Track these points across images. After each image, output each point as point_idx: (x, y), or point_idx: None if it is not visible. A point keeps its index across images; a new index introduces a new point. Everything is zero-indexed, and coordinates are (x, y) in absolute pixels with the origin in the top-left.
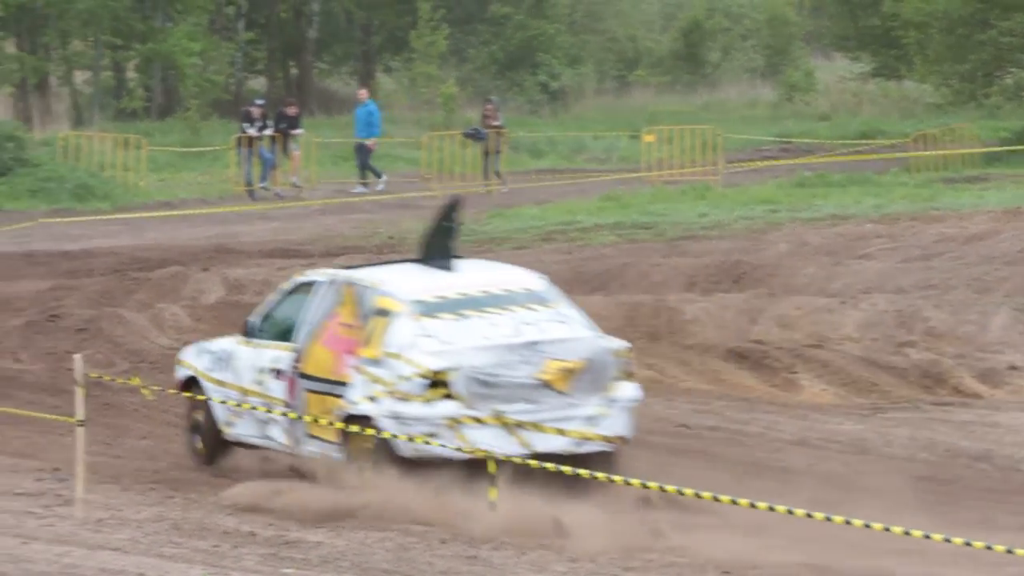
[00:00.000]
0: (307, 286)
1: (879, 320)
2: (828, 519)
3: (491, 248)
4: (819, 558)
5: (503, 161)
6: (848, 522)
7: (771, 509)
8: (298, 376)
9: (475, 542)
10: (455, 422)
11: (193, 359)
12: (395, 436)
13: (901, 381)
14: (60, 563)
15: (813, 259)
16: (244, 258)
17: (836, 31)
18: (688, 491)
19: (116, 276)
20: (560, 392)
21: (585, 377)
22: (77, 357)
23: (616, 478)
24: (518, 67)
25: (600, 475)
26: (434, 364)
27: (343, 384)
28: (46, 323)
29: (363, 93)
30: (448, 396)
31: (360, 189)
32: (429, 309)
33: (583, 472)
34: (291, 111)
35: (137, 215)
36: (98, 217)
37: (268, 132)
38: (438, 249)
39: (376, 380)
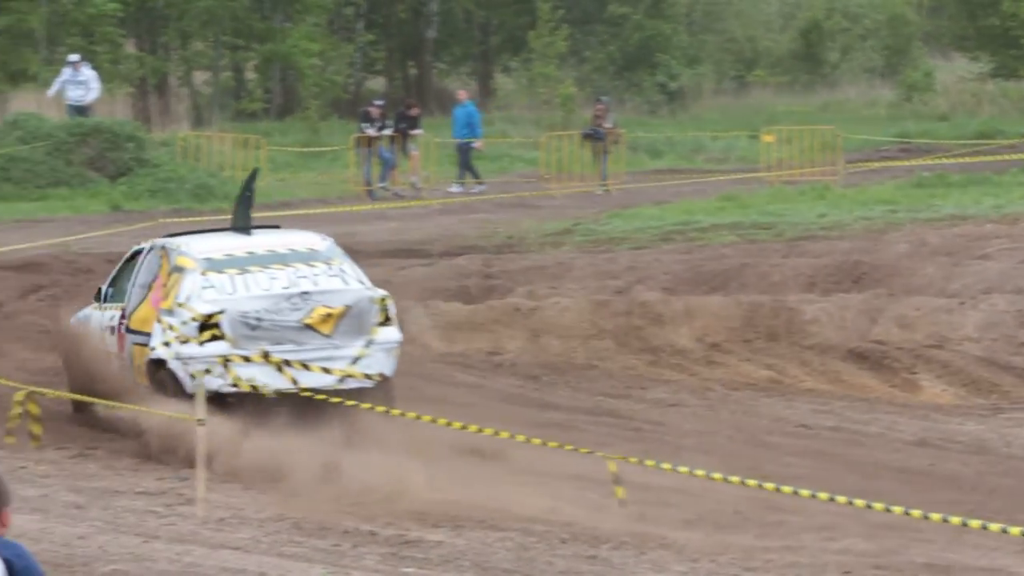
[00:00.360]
0: (138, 253)
1: (999, 320)
2: (945, 520)
3: (609, 248)
4: (939, 558)
5: (611, 162)
6: (965, 523)
7: (887, 510)
8: (126, 331)
9: (596, 541)
10: (225, 360)
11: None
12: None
13: (1021, 382)
14: (181, 562)
15: (932, 259)
16: (362, 258)
17: (955, 31)
18: (804, 492)
19: None
20: (324, 335)
21: (347, 322)
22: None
23: (714, 475)
24: (636, 67)
25: (713, 475)
26: (204, 309)
27: (150, 334)
28: None
29: (462, 94)
30: (218, 337)
31: (455, 188)
32: (216, 265)
33: (721, 477)
34: (412, 111)
35: (257, 215)
36: (217, 217)
37: (387, 132)
38: (240, 217)
39: (168, 327)
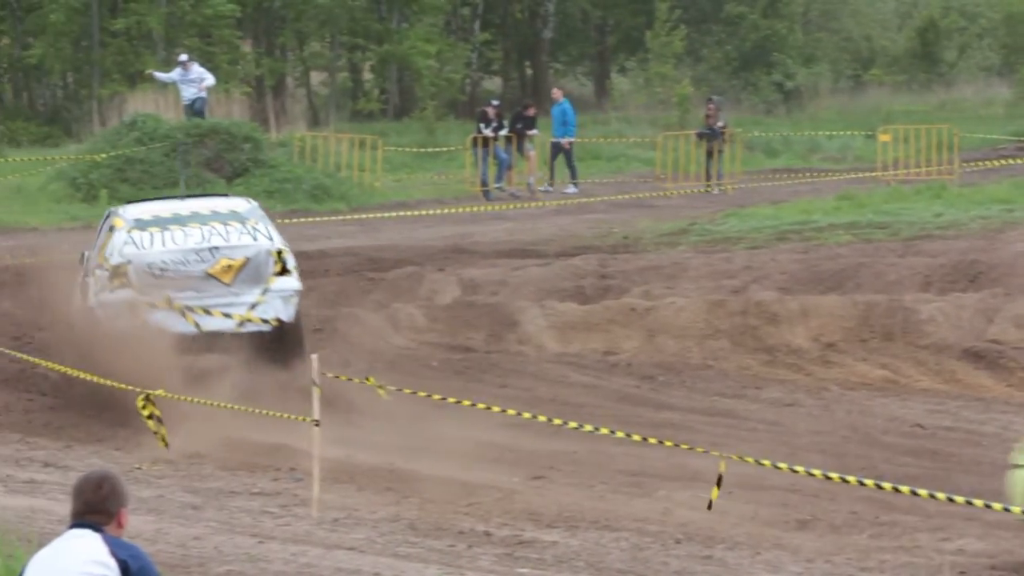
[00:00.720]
0: (104, 219)
1: None
2: None
3: (726, 248)
4: None
5: (727, 161)
6: None
7: (1005, 510)
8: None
9: (710, 542)
10: (131, 305)
11: None
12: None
13: None
14: (296, 563)
15: None
16: (479, 258)
17: None
18: (921, 492)
19: (352, 276)
20: (225, 284)
21: (246, 272)
22: (313, 357)
23: (846, 478)
24: (753, 67)
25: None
26: (114, 260)
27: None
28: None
29: (557, 93)
30: (125, 286)
31: (571, 190)
32: (142, 224)
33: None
34: (529, 112)
35: (373, 215)
36: (334, 218)
37: (504, 132)
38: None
39: (97, 280)
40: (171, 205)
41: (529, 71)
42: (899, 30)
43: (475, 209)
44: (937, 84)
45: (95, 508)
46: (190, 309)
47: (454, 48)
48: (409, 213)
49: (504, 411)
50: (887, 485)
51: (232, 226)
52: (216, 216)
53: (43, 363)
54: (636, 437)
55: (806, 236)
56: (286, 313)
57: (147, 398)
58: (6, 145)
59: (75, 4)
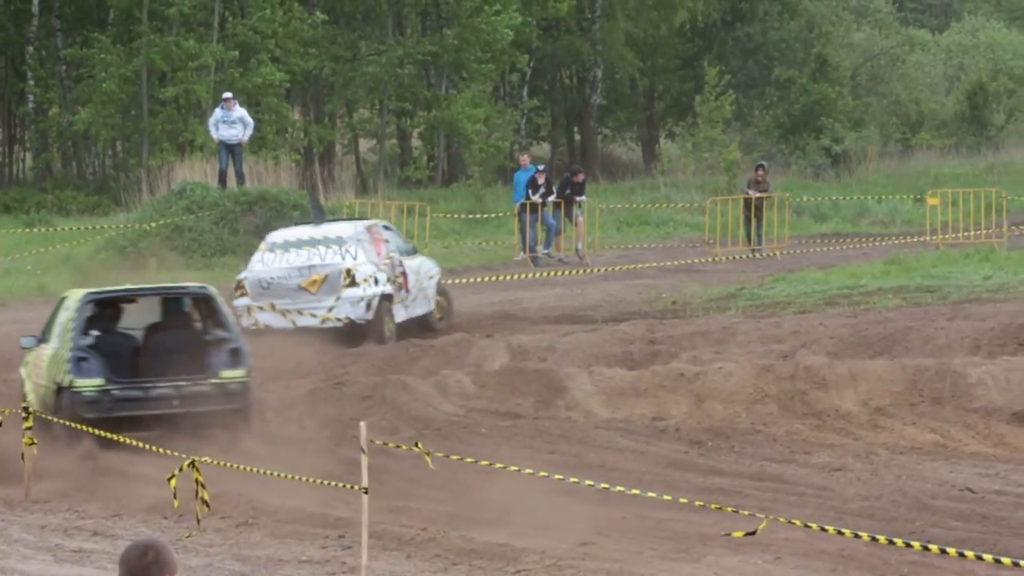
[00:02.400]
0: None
1: None
2: None
3: (774, 312)
4: None
5: (777, 225)
6: None
7: None
8: None
9: None
10: (248, 309)
11: None
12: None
13: None
14: None
15: None
16: (528, 324)
17: None
18: (969, 553)
19: (401, 343)
20: (311, 293)
21: (326, 285)
22: (362, 424)
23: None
24: (801, 131)
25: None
26: (239, 276)
27: None
28: (331, 390)
29: (524, 159)
30: (244, 294)
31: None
32: (272, 246)
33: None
34: (578, 177)
35: None
36: None
37: (552, 198)
38: (316, 215)
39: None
40: (304, 230)
41: (577, 137)
42: (947, 93)
43: (523, 275)
44: (985, 147)
45: None
46: (287, 311)
47: (503, 114)
48: (458, 280)
49: (552, 477)
50: (934, 547)
51: (331, 248)
52: (324, 240)
53: (88, 429)
54: (684, 502)
55: (855, 300)
56: (355, 313)
57: (192, 464)
58: (55, 214)
59: (126, 72)
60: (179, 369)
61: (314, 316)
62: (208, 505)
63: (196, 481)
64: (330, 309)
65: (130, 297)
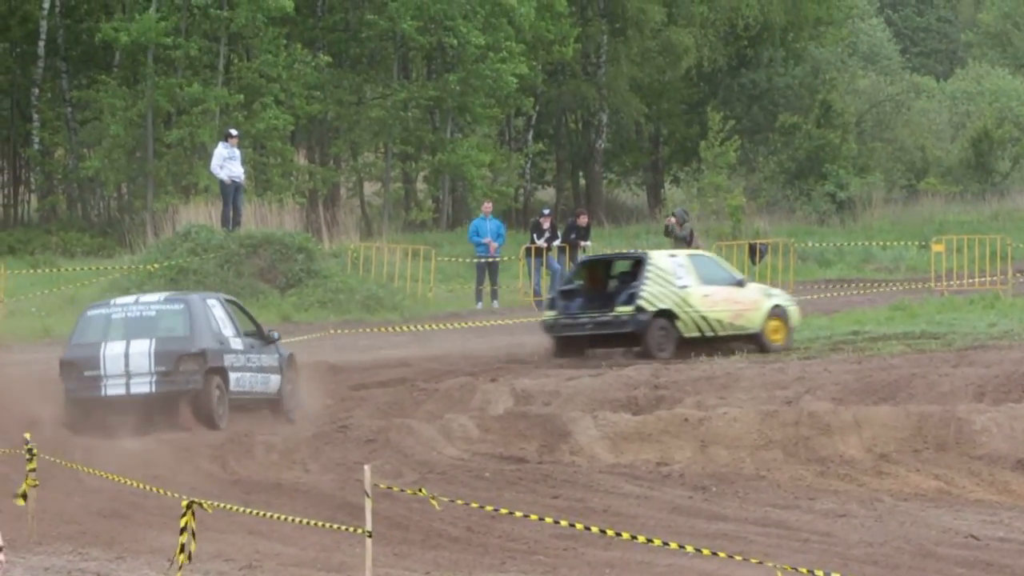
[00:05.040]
0: None
1: None
2: None
3: (778, 358)
4: None
5: (780, 271)
6: None
7: None
8: None
9: None
10: None
11: None
12: None
13: None
14: None
15: None
16: (532, 368)
17: None
18: None
19: (405, 386)
20: None
21: None
22: (366, 468)
23: None
24: (806, 176)
25: None
26: None
27: None
28: (335, 434)
29: (487, 206)
30: None
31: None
32: None
33: None
34: (582, 221)
35: (426, 326)
36: (387, 328)
37: (557, 243)
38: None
39: None
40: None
41: (582, 181)
42: (953, 140)
43: (528, 319)
44: (990, 194)
45: None
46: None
47: (508, 158)
48: (462, 324)
49: (556, 522)
50: None
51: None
52: None
53: (96, 472)
54: (689, 548)
55: (859, 346)
56: None
57: (189, 506)
58: (60, 256)
59: (132, 116)
60: None
61: None
62: (190, 558)
63: (187, 527)
64: None
65: None
